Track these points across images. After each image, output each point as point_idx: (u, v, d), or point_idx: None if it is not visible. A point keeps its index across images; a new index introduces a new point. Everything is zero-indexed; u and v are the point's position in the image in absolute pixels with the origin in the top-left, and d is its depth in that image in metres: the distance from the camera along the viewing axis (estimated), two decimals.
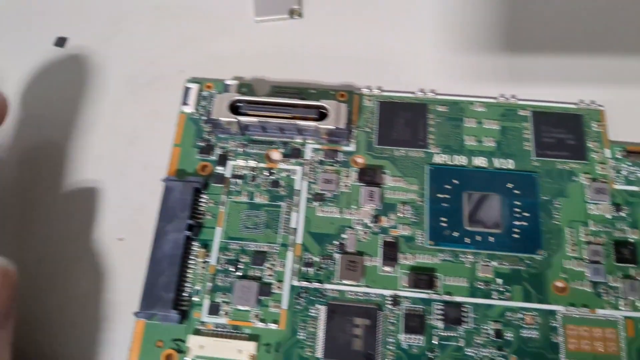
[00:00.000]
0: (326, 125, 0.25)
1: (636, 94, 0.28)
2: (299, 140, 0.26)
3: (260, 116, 0.25)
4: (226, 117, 0.25)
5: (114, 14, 0.30)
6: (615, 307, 0.23)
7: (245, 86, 0.27)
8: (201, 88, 0.27)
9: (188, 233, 0.24)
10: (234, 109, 0.26)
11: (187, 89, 0.27)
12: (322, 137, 0.26)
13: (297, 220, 0.25)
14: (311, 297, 0.23)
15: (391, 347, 0.23)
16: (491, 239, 0.24)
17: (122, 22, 0.30)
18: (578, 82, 0.28)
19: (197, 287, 0.24)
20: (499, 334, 0.23)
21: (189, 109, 0.27)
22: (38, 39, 0.29)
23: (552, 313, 0.23)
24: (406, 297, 0.23)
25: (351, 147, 0.26)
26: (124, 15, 0.30)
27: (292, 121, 0.25)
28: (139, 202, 0.25)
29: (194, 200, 0.24)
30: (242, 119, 0.25)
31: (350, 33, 0.29)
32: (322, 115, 0.25)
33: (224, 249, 0.24)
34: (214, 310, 0.23)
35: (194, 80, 0.28)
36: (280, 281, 0.24)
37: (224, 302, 0.23)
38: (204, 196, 0.25)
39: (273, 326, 0.23)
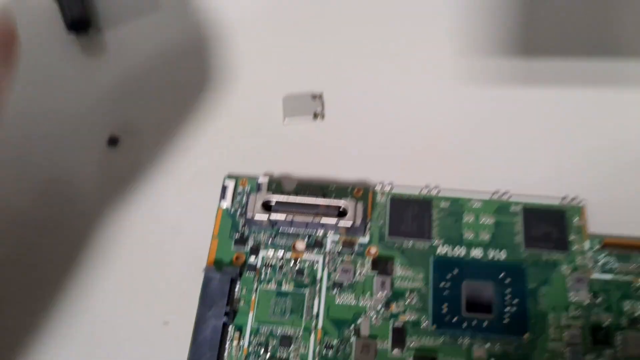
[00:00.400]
0: (345, 222, 0.28)
1: (616, 190, 0.30)
2: (321, 232, 0.29)
3: (291, 214, 0.28)
4: (260, 215, 0.28)
5: (158, 116, 0.33)
6: None
7: (275, 182, 0.30)
8: (237, 184, 0.30)
9: (225, 319, 0.26)
10: (266, 205, 0.28)
11: (224, 186, 0.30)
12: (341, 230, 0.28)
13: (319, 306, 0.27)
14: None
15: None
16: (485, 323, 0.27)
17: None
18: (563, 179, 0.30)
19: None
20: None
21: (226, 204, 0.29)
22: (92, 139, 0.32)
23: None
24: None
25: (366, 239, 0.29)
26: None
27: (316, 218, 0.28)
28: (182, 288, 0.28)
29: (230, 289, 0.27)
30: (273, 217, 0.28)
31: (366, 132, 0.32)
32: (341, 212, 0.28)
33: (255, 332, 0.27)
34: None
35: (230, 176, 0.30)
36: None
37: None
38: (238, 284, 0.28)
39: None
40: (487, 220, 0.29)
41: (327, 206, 0.28)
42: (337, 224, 0.28)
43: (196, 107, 0.33)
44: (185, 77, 0.34)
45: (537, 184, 0.30)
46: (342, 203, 0.28)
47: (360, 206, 0.28)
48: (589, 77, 0.33)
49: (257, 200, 0.28)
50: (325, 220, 0.28)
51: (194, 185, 0.31)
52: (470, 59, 0.34)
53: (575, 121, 0.32)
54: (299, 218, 0.28)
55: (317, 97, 0.33)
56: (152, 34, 0.36)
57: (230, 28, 0.36)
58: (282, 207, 0.28)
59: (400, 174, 0.31)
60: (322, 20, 0.36)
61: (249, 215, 0.28)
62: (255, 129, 0.32)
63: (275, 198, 0.28)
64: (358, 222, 0.28)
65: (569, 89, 0.33)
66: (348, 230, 0.28)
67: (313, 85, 0.34)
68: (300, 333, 0.27)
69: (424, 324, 0.27)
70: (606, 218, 0.29)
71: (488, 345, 0.26)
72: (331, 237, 0.29)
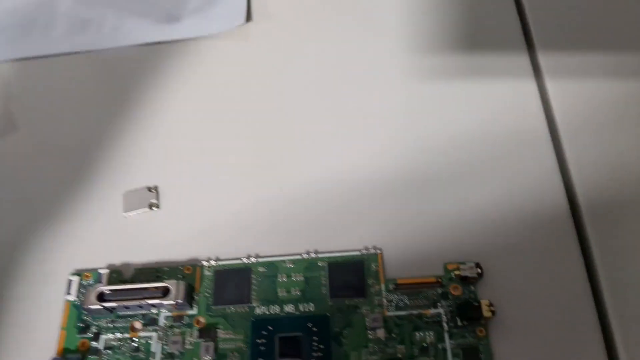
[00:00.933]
0: (169, 301, 0.31)
1: (407, 236, 0.34)
2: (154, 311, 0.32)
3: (122, 300, 0.31)
4: (95, 305, 0.31)
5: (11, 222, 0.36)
6: None
7: (115, 272, 0.33)
8: (82, 278, 0.33)
9: None
10: (102, 296, 0.31)
11: (70, 281, 0.33)
12: (171, 307, 0.31)
13: None
14: None
15: None
16: None
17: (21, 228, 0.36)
18: (364, 231, 0.34)
19: None
20: None
21: (71, 297, 0.32)
22: None
23: None
24: None
25: (194, 311, 0.32)
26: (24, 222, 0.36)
27: (145, 300, 0.31)
28: None
29: None
30: (107, 304, 0.31)
31: (196, 214, 0.35)
32: (166, 291, 0.31)
33: None
34: None
35: (76, 272, 0.33)
36: None
37: None
38: None
39: None
40: (298, 278, 0.32)
41: (155, 288, 0.31)
42: (163, 302, 0.31)
43: (49, 211, 0.36)
44: (37, 185, 0.37)
45: (343, 240, 0.33)
46: (166, 284, 0.31)
47: (182, 284, 0.31)
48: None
49: (92, 292, 0.31)
50: (153, 301, 0.31)
51: (43, 283, 0.33)
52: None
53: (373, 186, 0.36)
54: (130, 302, 0.31)
55: (153, 190, 0.36)
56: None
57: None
58: (115, 295, 0.31)
59: (225, 247, 0.34)
60: (159, 121, 0.40)
61: (86, 306, 0.31)
62: (97, 225, 0.35)
63: (108, 288, 0.31)
64: (181, 298, 0.31)
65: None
66: (176, 306, 0.31)
67: (150, 178, 0.37)
68: None
69: None
70: (400, 262, 0.33)
71: None
72: (164, 314, 0.32)
